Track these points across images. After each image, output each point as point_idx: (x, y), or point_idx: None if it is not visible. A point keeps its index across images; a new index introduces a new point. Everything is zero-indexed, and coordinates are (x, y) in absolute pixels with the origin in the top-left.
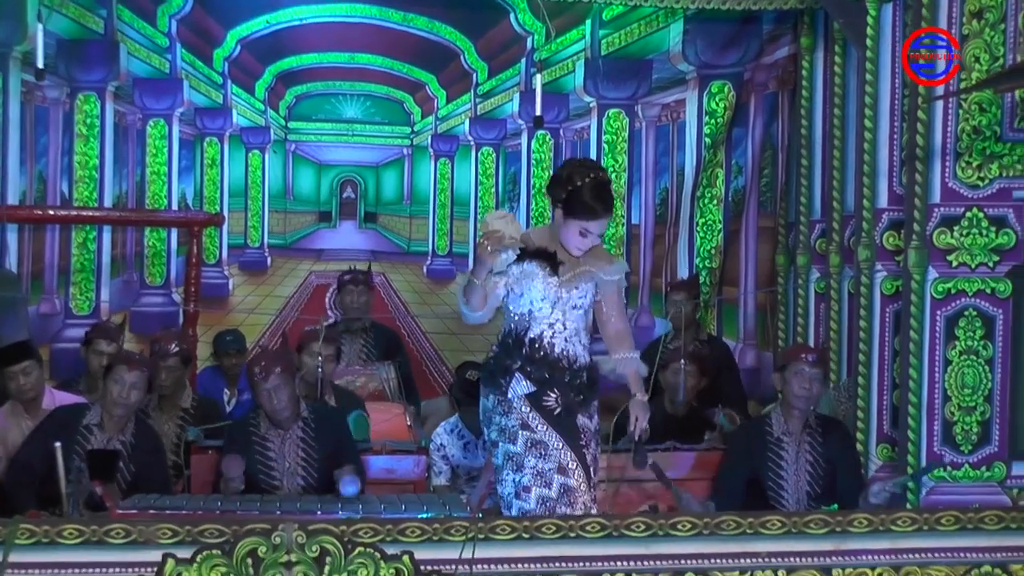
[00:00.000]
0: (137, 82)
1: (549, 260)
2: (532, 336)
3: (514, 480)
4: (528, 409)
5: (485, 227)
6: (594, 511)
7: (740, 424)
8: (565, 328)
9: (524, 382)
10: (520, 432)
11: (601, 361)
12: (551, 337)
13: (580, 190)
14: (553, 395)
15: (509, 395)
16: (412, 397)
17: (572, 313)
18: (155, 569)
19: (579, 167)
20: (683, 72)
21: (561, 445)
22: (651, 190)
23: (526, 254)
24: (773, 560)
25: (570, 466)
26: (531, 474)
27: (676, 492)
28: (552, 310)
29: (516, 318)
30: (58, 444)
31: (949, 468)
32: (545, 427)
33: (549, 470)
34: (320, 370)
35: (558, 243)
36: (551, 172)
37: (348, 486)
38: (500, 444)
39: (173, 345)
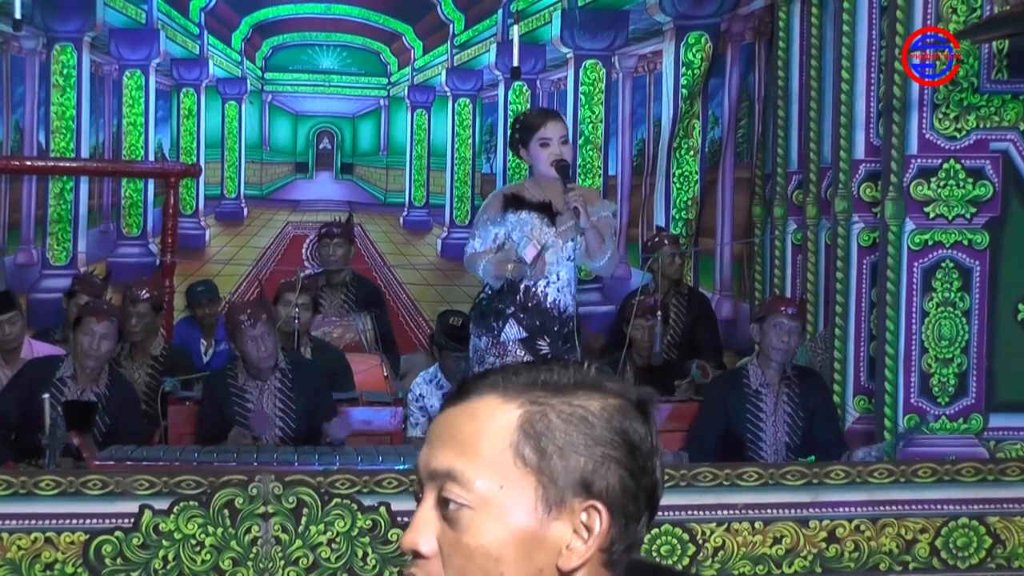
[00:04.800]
0: (113, 32)
1: (546, 211)
2: (527, 284)
3: None
4: (523, 353)
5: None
6: None
7: (716, 376)
8: (558, 279)
9: (517, 327)
10: None
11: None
12: (544, 287)
13: (525, 116)
14: (545, 341)
15: (502, 339)
16: (391, 353)
17: (565, 264)
18: (132, 520)
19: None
20: (660, 23)
21: None
22: (628, 141)
23: (524, 205)
24: (750, 512)
25: None
26: None
27: None
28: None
29: None
30: (46, 396)
31: (928, 422)
32: None
33: None
34: (296, 320)
35: (548, 193)
36: None
37: (339, 428)
38: None
39: (144, 291)
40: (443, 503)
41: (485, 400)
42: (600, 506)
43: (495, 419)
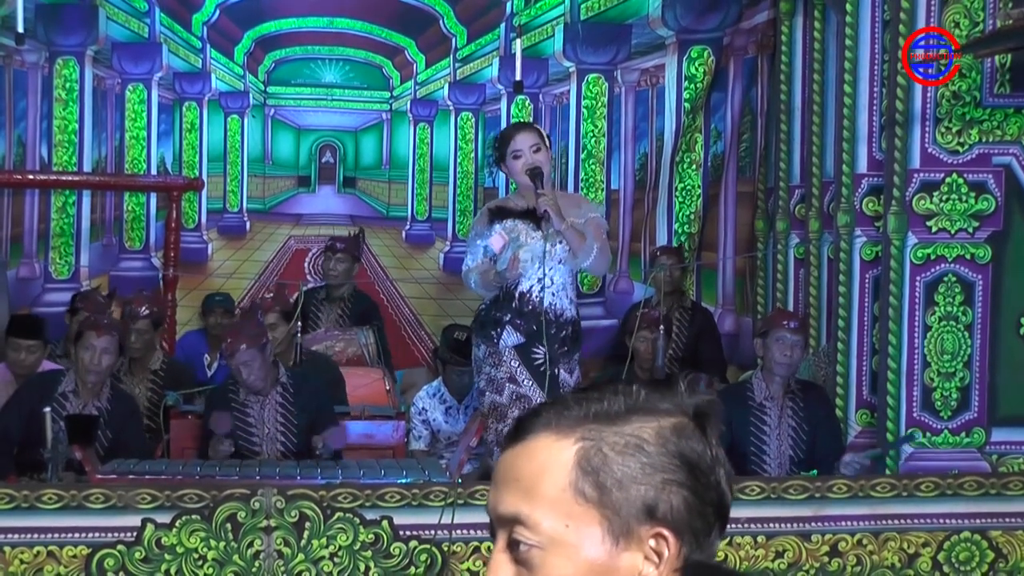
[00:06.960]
0: (116, 46)
1: (531, 218)
2: (522, 290)
3: (496, 429)
4: (517, 363)
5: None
6: None
7: (720, 390)
8: (552, 283)
9: (514, 334)
10: (507, 385)
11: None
12: (539, 292)
13: (499, 133)
14: (541, 349)
15: (500, 346)
16: (387, 365)
17: (558, 268)
18: (135, 534)
19: None
20: (662, 37)
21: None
22: (630, 155)
23: (510, 214)
24: (752, 526)
25: None
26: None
27: None
28: (539, 266)
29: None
30: (47, 410)
31: (928, 434)
32: (531, 382)
33: None
34: (299, 335)
35: (532, 202)
36: None
37: (335, 439)
38: (488, 393)
39: (144, 308)
40: (514, 545)
41: (540, 439)
42: (666, 532)
43: (552, 458)
